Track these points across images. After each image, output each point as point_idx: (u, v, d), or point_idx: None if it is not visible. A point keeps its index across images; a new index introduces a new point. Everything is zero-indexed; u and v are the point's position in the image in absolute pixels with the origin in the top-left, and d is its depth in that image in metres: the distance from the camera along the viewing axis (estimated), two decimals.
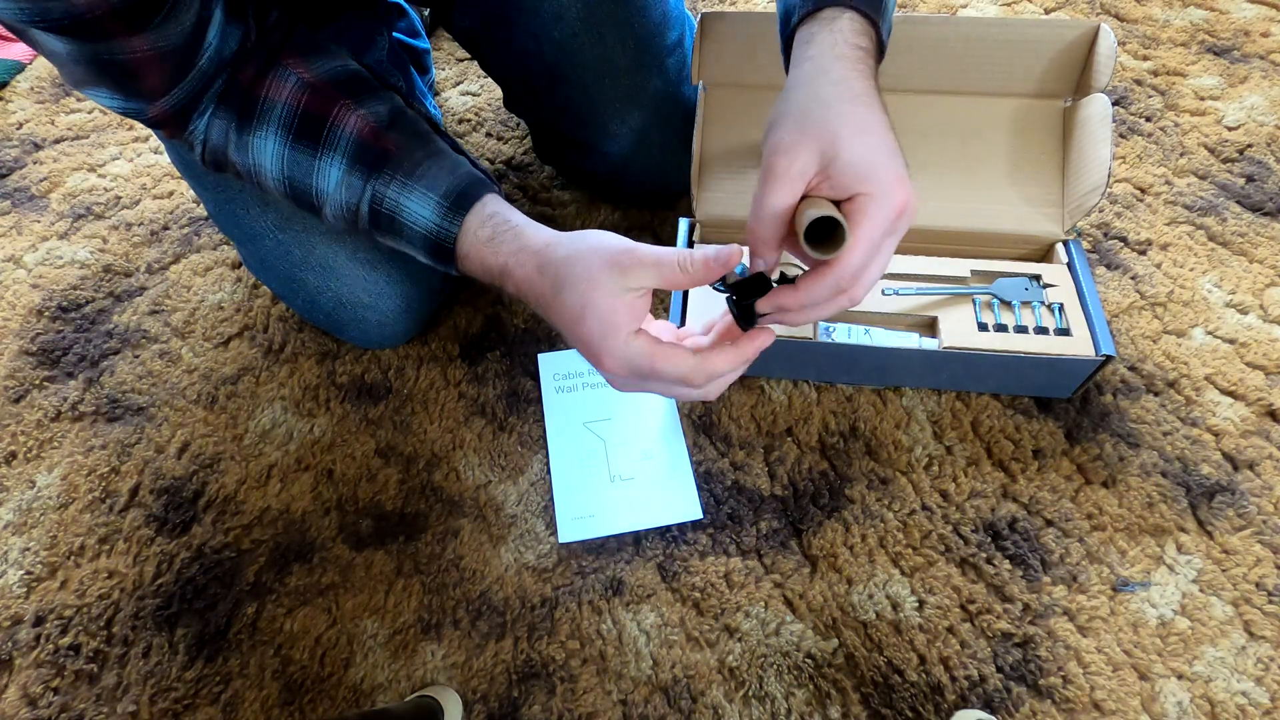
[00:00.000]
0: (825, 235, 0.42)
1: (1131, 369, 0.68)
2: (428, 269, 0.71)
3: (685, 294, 0.68)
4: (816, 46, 0.45)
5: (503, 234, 0.49)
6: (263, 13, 0.52)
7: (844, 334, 0.66)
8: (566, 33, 0.69)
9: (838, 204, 0.42)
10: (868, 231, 0.40)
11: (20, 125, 0.99)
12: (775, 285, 0.44)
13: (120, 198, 0.90)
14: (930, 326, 0.65)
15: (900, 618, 0.58)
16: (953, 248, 0.69)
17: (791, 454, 0.66)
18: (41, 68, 1.08)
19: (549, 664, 0.58)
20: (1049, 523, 0.61)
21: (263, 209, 0.66)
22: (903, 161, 0.42)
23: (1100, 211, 0.79)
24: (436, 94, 0.99)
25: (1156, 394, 0.67)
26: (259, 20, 0.51)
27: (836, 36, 0.44)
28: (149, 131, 0.98)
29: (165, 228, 0.87)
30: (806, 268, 0.44)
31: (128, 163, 0.95)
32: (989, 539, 0.61)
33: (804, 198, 0.42)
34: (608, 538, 0.63)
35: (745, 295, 0.44)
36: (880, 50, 0.47)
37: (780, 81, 0.47)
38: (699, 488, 0.65)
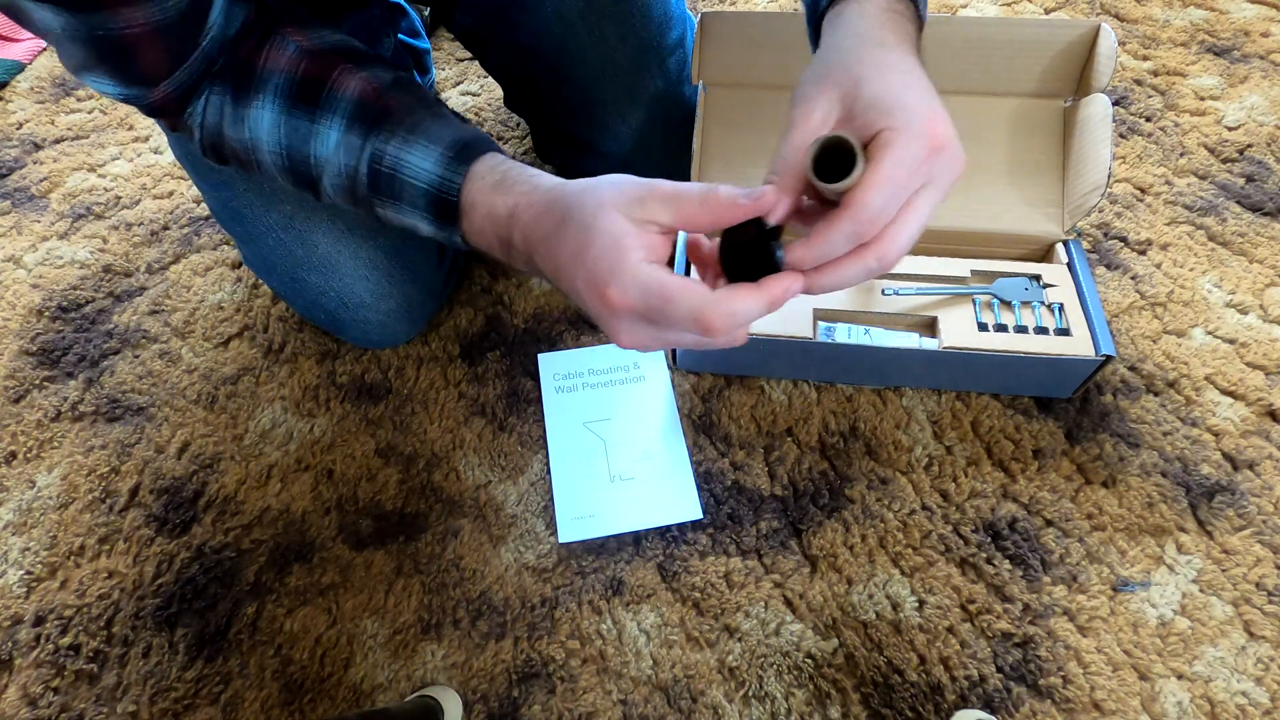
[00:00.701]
0: (841, 173, 0.36)
1: (1131, 369, 0.68)
2: (429, 268, 0.71)
3: (688, 261, 0.66)
4: (845, 18, 0.43)
5: (513, 177, 0.45)
6: None
7: (844, 334, 0.66)
8: (567, 31, 0.69)
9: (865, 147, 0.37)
10: (889, 167, 0.35)
11: (20, 125, 1.00)
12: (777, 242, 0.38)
13: (120, 198, 0.90)
14: (930, 326, 0.65)
15: (900, 618, 0.58)
16: (953, 248, 0.69)
17: (791, 454, 0.66)
18: (42, 68, 1.08)
19: (549, 664, 0.58)
20: (1049, 523, 0.61)
21: (265, 208, 0.66)
22: (938, 102, 0.37)
23: (1100, 211, 0.79)
24: (437, 94, 0.99)
25: (1156, 394, 0.67)
26: (260, 1, 0.50)
27: (866, 5, 0.42)
28: (149, 131, 0.98)
29: (165, 228, 0.87)
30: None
31: (128, 163, 0.95)
32: (989, 539, 0.61)
33: None
34: (608, 538, 0.63)
35: (741, 244, 0.38)
36: (920, 21, 0.45)
37: (781, 81, 0.46)
38: (699, 488, 0.65)
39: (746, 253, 0.38)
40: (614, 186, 0.39)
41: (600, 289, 0.38)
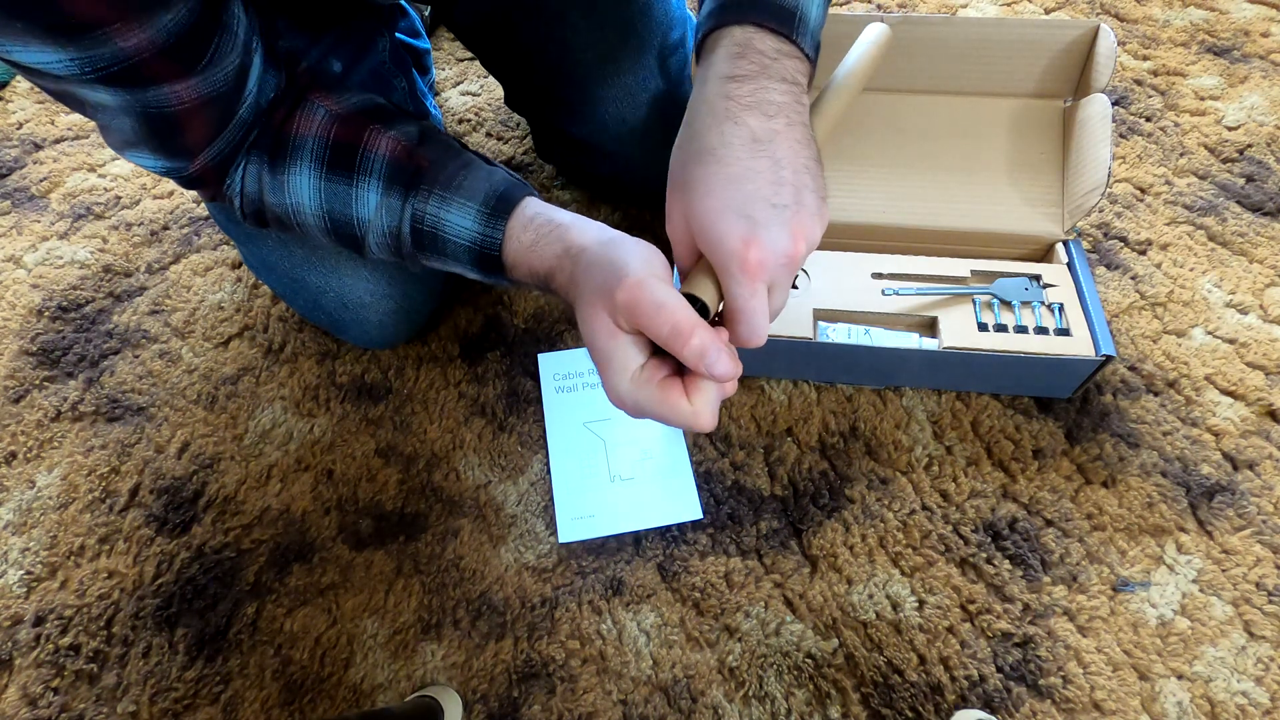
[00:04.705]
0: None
1: (1131, 369, 0.68)
2: (430, 269, 0.71)
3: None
4: (696, 86, 0.43)
5: (545, 236, 0.47)
6: (293, 62, 0.52)
7: (844, 334, 0.66)
8: (568, 31, 0.69)
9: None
10: (736, 303, 0.39)
11: (20, 125, 0.99)
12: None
13: (120, 198, 0.90)
14: (930, 326, 0.65)
15: (900, 618, 0.58)
16: (953, 248, 0.69)
17: (791, 454, 0.66)
18: None
19: (549, 664, 0.58)
20: (1049, 523, 0.61)
21: None
22: (763, 215, 0.38)
23: (1100, 211, 0.80)
24: (437, 94, 0.99)
25: (1156, 394, 0.67)
26: (290, 69, 0.51)
27: (708, 81, 0.42)
28: None
29: (165, 228, 0.87)
30: None
31: (128, 163, 0.95)
32: (989, 539, 0.61)
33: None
34: (608, 538, 0.63)
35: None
36: (794, 44, 0.43)
37: None
38: (699, 488, 0.65)
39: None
40: (606, 291, 0.40)
41: (602, 379, 0.41)
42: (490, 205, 0.49)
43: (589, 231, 0.45)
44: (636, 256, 0.40)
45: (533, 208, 0.48)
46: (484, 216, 0.49)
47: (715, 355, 0.37)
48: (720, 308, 0.41)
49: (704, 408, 0.39)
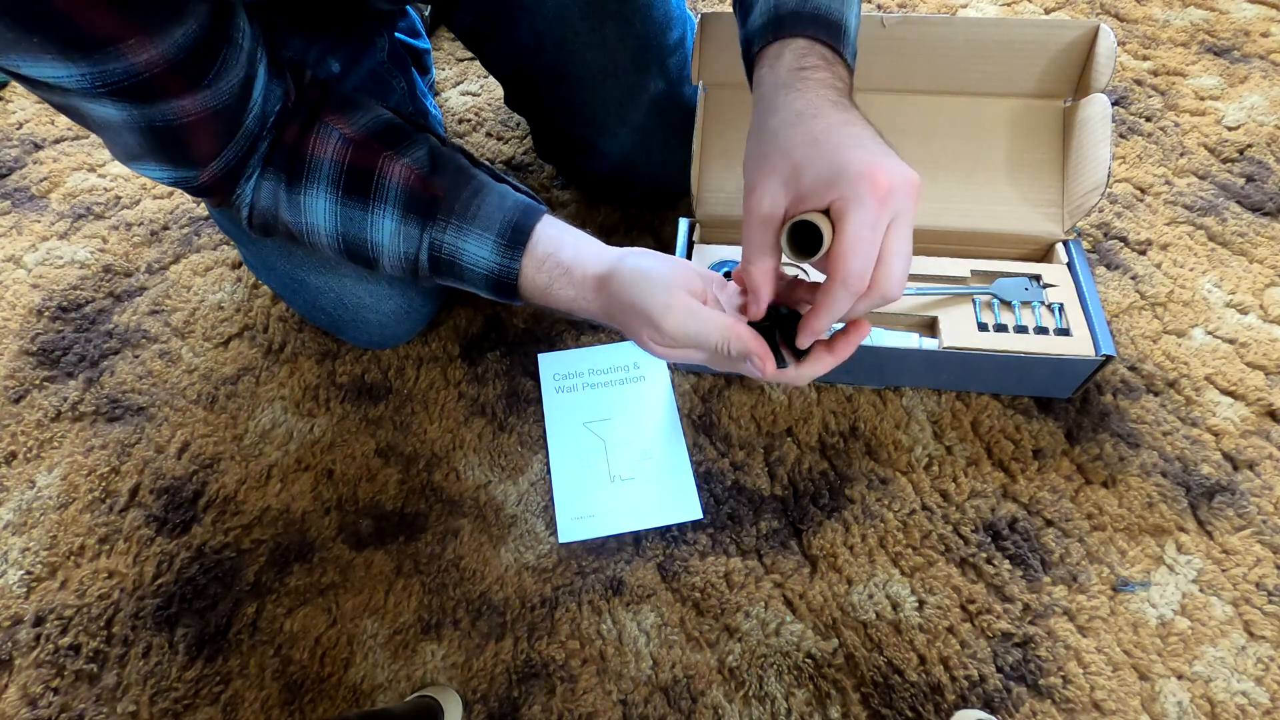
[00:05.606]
0: (815, 241, 0.41)
1: (1131, 369, 0.68)
2: None
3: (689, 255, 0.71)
4: (763, 85, 0.46)
5: (558, 280, 0.51)
6: (298, 72, 0.53)
7: None
8: (568, 31, 0.69)
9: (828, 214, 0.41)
10: (853, 230, 0.38)
11: (20, 125, 0.99)
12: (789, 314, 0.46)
13: (120, 198, 0.90)
14: (930, 326, 0.65)
15: (900, 618, 0.58)
16: (953, 248, 0.69)
17: (791, 454, 0.66)
18: None
19: (549, 664, 0.58)
20: (1049, 523, 0.61)
21: None
22: (877, 147, 0.40)
23: (1100, 211, 0.80)
24: (437, 94, 0.99)
25: (1156, 394, 0.67)
26: (296, 80, 0.52)
27: (779, 71, 0.45)
28: None
29: (165, 228, 0.87)
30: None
31: None
32: (989, 539, 0.61)
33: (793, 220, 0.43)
34: (608, 538, 0.63)
35: (786, 329, 0.45)
36: (841, 57, 0.47)
37: None
38: (699, 488, 0.65)
39: (775, 325, 0.46)
40: (670, 287, 0.45)
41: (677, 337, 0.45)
42: (506, 236, 0.51)
43: (590, 267, 0.49)
44: (653, 287, 0.45)
45: (543, 245, 0.51)
46: (501, 248, 0.51)
47: (760, 356, 0.43)
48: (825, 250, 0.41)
49: (810, 373, 0.45)
